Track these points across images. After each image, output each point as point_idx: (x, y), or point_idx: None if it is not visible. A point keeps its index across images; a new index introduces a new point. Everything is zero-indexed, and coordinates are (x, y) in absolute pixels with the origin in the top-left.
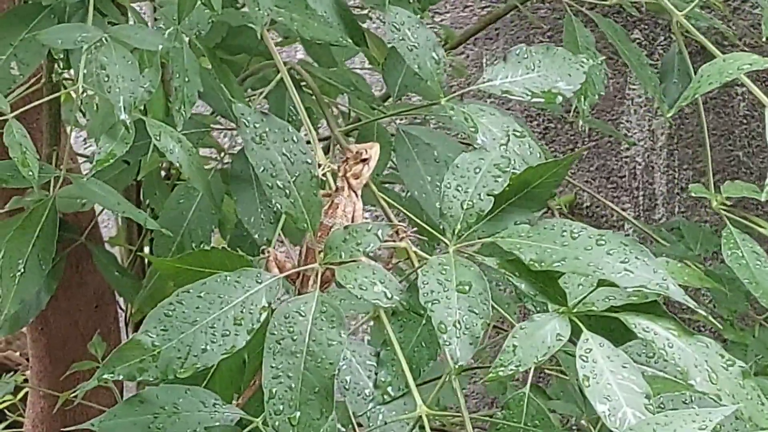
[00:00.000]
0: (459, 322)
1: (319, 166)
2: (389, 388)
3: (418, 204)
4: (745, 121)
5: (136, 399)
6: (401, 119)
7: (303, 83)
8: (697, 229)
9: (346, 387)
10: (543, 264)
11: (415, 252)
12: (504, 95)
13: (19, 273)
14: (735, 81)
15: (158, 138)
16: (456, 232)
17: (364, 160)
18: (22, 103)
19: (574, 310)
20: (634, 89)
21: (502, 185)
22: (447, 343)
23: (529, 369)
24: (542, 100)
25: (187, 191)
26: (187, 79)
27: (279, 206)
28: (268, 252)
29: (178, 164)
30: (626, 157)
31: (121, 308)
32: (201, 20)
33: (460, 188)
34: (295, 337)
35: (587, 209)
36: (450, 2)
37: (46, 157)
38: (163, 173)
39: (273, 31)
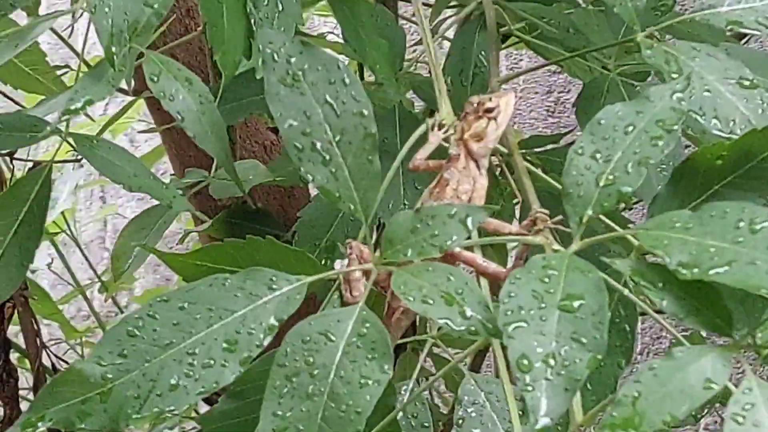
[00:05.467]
0: (554, 356)
1: (441, 127)
2: None
3: None
4: None
5: None
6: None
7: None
8: None
9: None
10: (696, 271)
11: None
12: (730, 28)
13: None
14: None
15: (155, 78)
16: (584, 221)
17: (488, 113)
18: None
19: (744, 343)
20: None
21: (662, 151)
22: (528, 388)
23: None
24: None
25: None
26: (280, 6)
27: (309, 177)
28: (351, 247)
29: (179, 117)
30: None
31: None
32: None
33: (598, 155)
34: (315, 372)
35: None
36: None
37: None
38: None
39: None
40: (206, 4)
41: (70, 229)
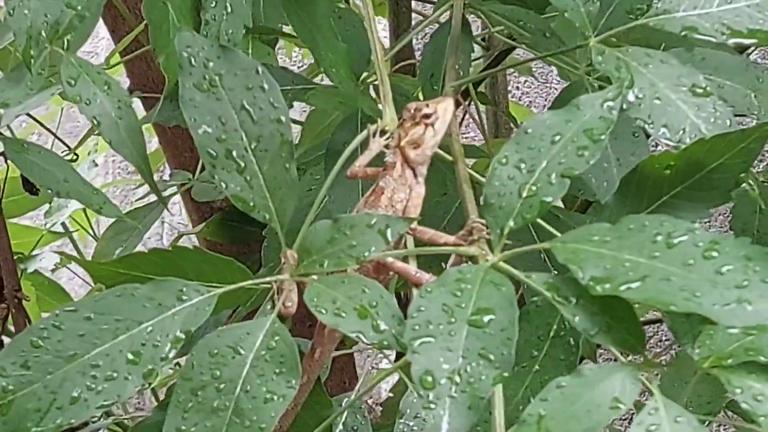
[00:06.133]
0: (459, 373)
1: (383, 133)
2: None
3: None
4: None
5: None
6: None
7: None
8: None
9: None
10: (608, 286)
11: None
12: (685, 33)
13: None
14: None
15: (72, 82)
16: (504, 233)
17: (425, 119)
18: None
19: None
20: None
21: (587, 162)
22: (431, 406)
23: None
24: (750, 41)
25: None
26: (228, 8)
27: (223, 185)
28: (285, 255)
29: (95, 122)
30: None
31: None
32: None
33: (522, 165)
34: (221, 385)
35: None
36: None
37: None
38: None
39: None
40: (149, 6)
41: (91, 228)
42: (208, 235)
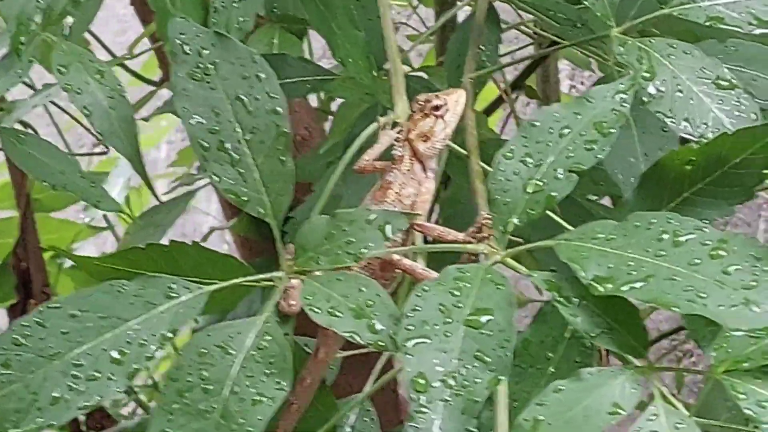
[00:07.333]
0: (454, 376)
1: (394, 125)
2: None
3: None
4: None
5: None
6: None
7: None
8: None
9: None
10: (610, 286)
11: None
12: (710, 23)
13: None
14: None
15: (63, 70)
16: (508, 229)
17: (435, 110)
18: None
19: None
20: None
21: (595, 157)
22: (422, 410)
23: None
24: None
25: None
26: None
27: (215, 178)
28: (289, 251)
29: (85, 112)
30: None
31: None
32: None
33: (528, 159)
34: (209, 387)
35: None
36: None
37: None
38: None
39: None
40: None
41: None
42: (240, 231)
